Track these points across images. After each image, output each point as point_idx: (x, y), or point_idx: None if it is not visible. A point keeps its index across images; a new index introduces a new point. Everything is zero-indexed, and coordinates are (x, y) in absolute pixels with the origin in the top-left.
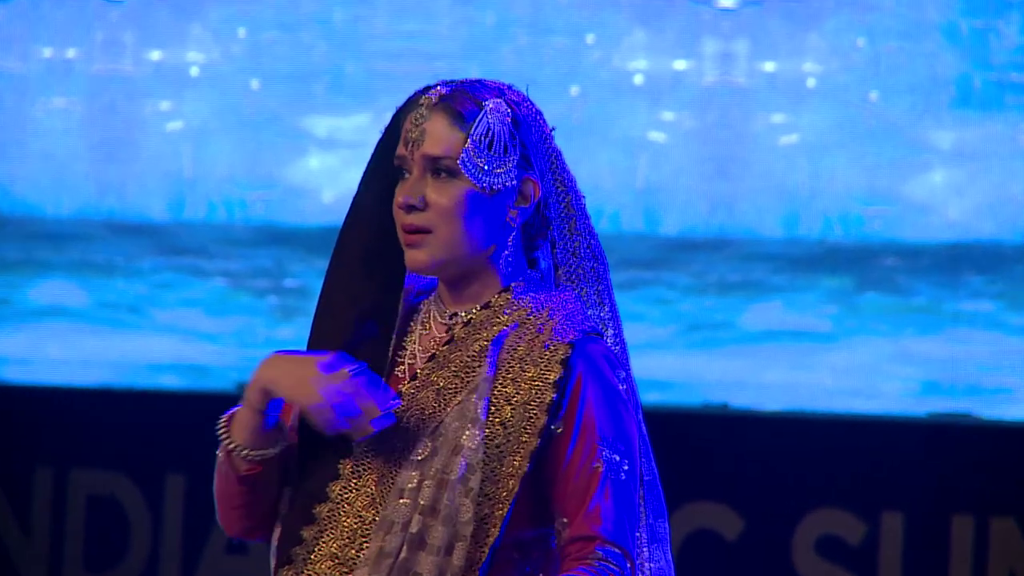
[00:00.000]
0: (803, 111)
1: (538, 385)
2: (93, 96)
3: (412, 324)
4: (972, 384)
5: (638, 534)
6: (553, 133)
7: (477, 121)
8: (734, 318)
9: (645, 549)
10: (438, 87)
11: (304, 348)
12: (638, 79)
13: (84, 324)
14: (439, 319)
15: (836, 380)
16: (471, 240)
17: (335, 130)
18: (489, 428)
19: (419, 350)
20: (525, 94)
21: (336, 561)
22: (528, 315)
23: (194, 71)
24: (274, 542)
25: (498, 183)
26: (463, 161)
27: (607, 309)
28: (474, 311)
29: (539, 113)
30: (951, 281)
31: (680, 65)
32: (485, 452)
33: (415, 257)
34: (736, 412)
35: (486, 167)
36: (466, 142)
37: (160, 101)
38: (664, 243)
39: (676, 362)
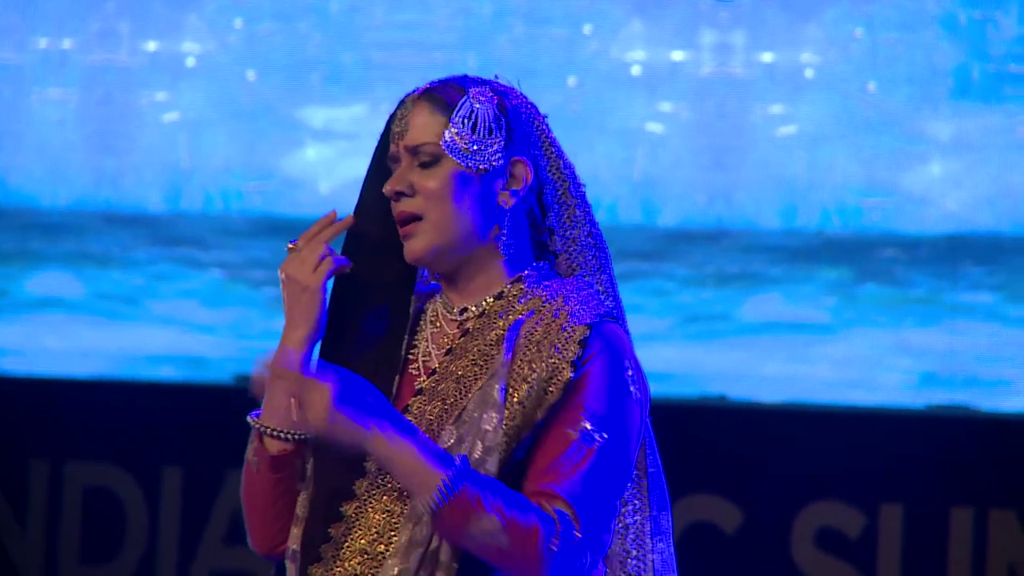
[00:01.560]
0: (801, 102)
1: (555, 363)
2: (89, 87)
3: (421, 324)
4: (971, 376)
5: (619, 523)
6: (547, 121)
7: (460, 105)
8: (732, 310)
9: (649, 540)
10: (426, 85)
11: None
12: (636, 70)
13: (80, 315)
14: (449, 316)
15: (834, 372)
16: (463, 221)
17: (332, 121)
18: (508, 409)
19: (433, 348)
20: (515, 86)
21: (366, 556)
22: (544, 303)
23: (190, 62)
24: (291, 544)
25: (484, 162)
26: (446, 142)
27: (610, 299)
28: (486, 302)
29: (531, 103)
30: (950, 272)
31: (678, 56)
32: (505, 435)
33: (411, 247)
34: (734, 404)
35: (470, 147)
36: (448, 125)
37: (156, 92)
38: (662, 234)
39: (674, 354)
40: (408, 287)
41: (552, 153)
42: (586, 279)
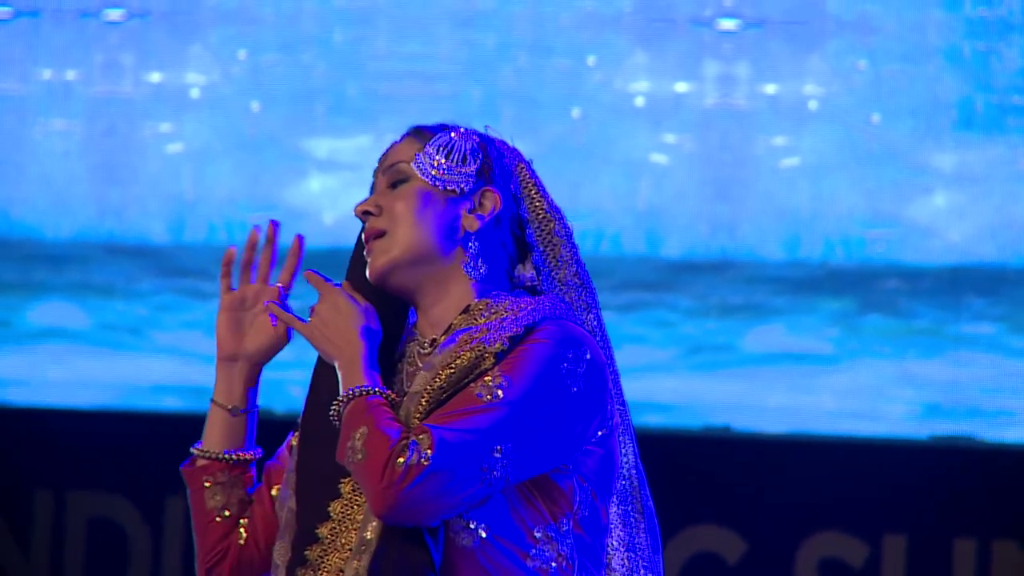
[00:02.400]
0: (804, 133)
1: (483, 349)
2: (93, 118)
3: (400, 365)
4: (974, 407)
5: (611, 554)
6: (532, 165)
7: (439, 135)
8: (736, 340)
9: None
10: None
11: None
12: (639, 101)
13: (84, 346)
14: (422, 352)
15: (838, 403)
16: (424, 236)
17: (336, 152)
18: (427, 395)
19: (407, 387)
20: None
21: (341, 574)
22: (506, 310)
23: (194, 93)
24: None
25: (451, 184)
26: (416, 162)
27: (599, 338)
28: (455, 320)
29: (515, 150)
30: (953, 304)
31: (681, 87)
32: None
33: (372, 264)
34: (738, 435)
35: (439, 168)
36: (423, 149)
37: (160, 123)
38: (666, 265)
39: (678, 384)
40: (397, 336)
41: (535, 194)
42: (567, 299)
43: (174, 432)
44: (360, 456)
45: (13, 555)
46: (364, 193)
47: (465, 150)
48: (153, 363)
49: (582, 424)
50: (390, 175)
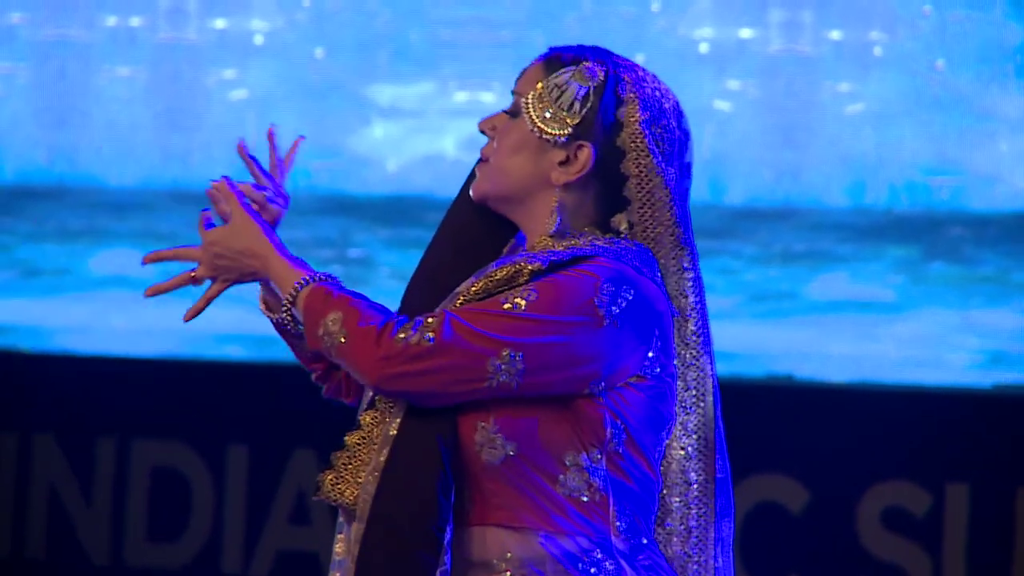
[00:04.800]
0: (869, 80)
1: (519, 266)
2: (157, 65)
3: None
4: None
5: (681, 525)
6: (667, 115)
7: (562, 72)
8: (799, 288)
9: (711, 547)
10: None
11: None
12: (703, 47)
13: None
14: None
15: (901, 351)
16: (512, 181)
17: (399, 99)
18: (463, 296)
19: None
20: (656, 82)
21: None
22: (573, 240)
23: (258, 39)
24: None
25: (547, 132)
26: (528, 100)
27: (693, 302)
28: (537, 241)
29: (651, 95)
30: (1018, 251)
31: (746, 33)
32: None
33: (474, 188)
34: (801, 383)
35: (544, 112)
36: (542, 82)
37: (224, 70)
38: (729, 212)
39: (741, 332)
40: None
41: (642, 147)
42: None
43: (237, 381)
44: (342, 338)
45: (77, 503)
46: (427, 140)
47: (576, 95)
48: (216, 312)
49: (607, 359)
50: (513, 101)
